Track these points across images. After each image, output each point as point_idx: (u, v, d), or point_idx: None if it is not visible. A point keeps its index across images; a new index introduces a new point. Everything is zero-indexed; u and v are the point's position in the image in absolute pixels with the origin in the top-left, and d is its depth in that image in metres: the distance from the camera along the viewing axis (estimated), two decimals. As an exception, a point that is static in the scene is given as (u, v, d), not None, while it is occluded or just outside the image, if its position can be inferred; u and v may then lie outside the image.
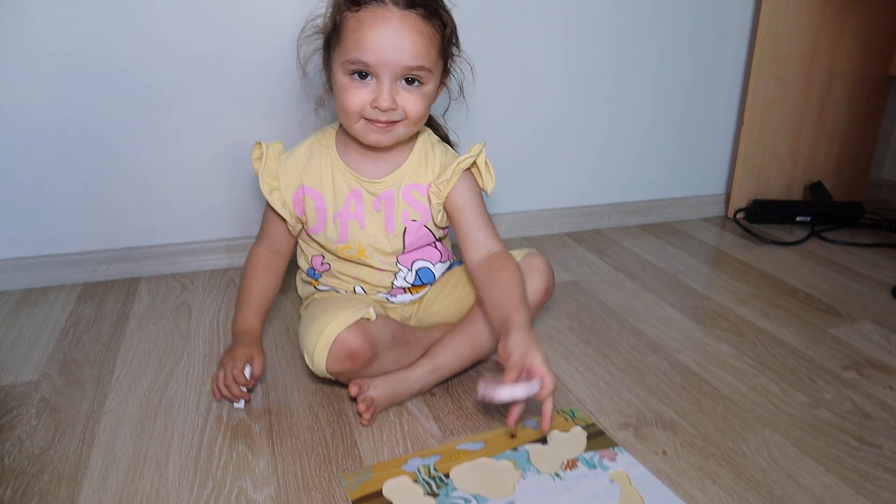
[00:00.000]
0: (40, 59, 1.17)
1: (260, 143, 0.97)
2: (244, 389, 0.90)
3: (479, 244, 0.94)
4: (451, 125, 1.11)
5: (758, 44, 1.61)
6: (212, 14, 1.23)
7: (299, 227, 1.00)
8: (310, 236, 1.00)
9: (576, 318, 1.19)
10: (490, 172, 0.98)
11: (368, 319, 0.88)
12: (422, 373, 0.93)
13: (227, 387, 0.89)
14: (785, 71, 1.66)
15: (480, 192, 0.98)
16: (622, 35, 1.52)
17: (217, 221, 1.37)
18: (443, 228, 1.01)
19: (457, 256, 1.07)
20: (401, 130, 0.90)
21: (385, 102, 0.84)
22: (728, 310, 1.24)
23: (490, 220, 0.96)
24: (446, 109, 1.09)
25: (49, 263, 1.30)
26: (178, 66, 1.24)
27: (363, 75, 0.85)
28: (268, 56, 1.28)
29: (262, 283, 1.01)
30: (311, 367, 0.88)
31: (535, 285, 0.96)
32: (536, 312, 1.02)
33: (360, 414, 0.88)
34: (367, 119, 0.87)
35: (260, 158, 0.97)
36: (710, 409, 0.94)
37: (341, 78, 0.87)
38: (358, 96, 0.86)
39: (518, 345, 0.78)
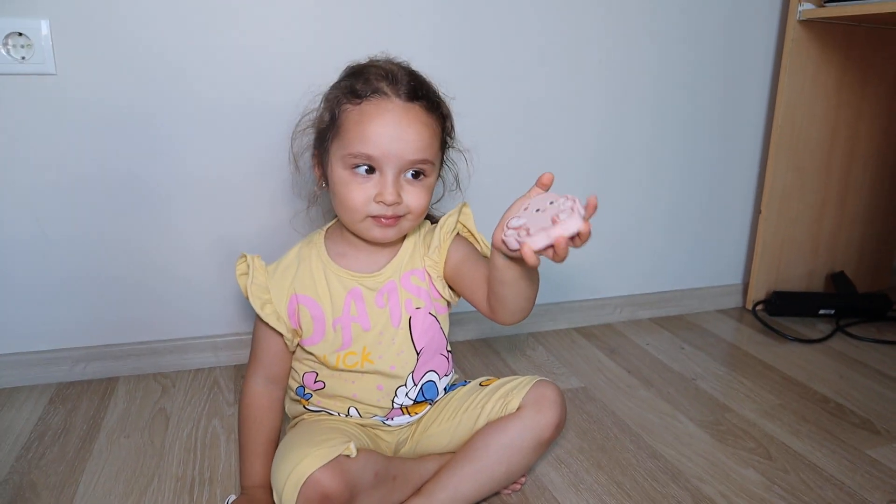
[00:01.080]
0: (7, 139, 1.11)
1: (245, 256, 0.89)
2: None
3: (485, 288, 0.86)
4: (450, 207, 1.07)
5: (774, 133, 1.55)
6: (200, 106, 1.18)
7: (297, 341, 0.91)
8: (304, 350, 0.91)
9: (586, 436, 1.09)
10: (485, 241, 0.93)
11: (348, 456, 0.78)
12: (415, 519, 0.82)
13: None
14: (803, 159, 1.59)
15: (476, 250, 0.93)
16: (633, 123, 1.47)
17: (203, 318, 1.29)
18: (448, 305, 0.95)
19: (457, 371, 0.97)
20: (406, 225, 0.86)
21: (391, 197, 0.81)
22: (753, 425, 1.14)
23: None
24: (439, 199, 1.02)
25: (20, 362, 1.22)
26: (164, 160, 1.19)
27: (368, 170, 0.81)
28: (256, 152, 1.22)
29: (269, 425, 0.91)
30: None
31: (547, 419, 0.87)
32: (545, 450, 0.92)
33: None
34: (372, 216, 0.83)
35: (246, 273, 0.89)
36: (741, 558, 0.83)
37: (341, 173, 0.83)
38: (362, 191, 0.82)
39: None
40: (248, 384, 0.92)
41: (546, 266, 1.46)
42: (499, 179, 1.37)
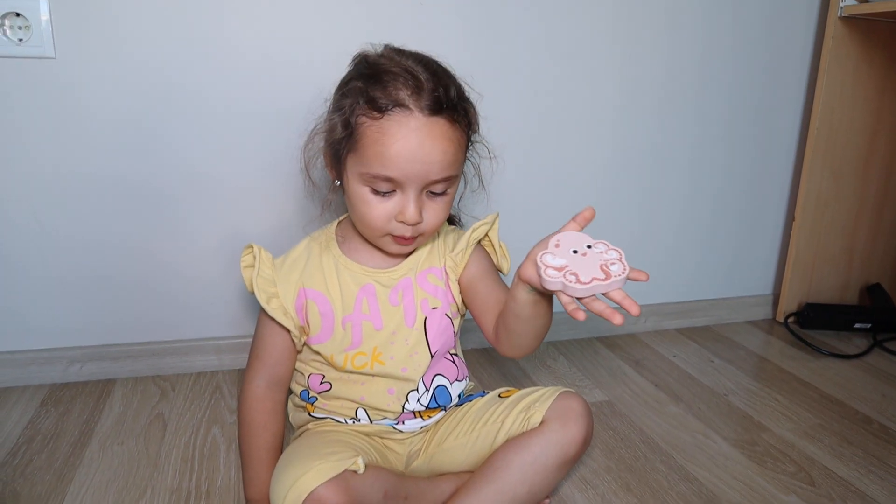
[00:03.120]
0: (3, 124, 1.05)
1: (252, 246, 0.84)
2: None
3: (495, 312, 0.83)
4: (470, 214, 1.01)
5: (810, 136, 1.46)
6: (206, 101, 1.11)
7: (303, 339, 0.85)
8: (311, 350, 0.85)
9: (613, 455, 1.01)
10: (505, 254, 0.90)
11: (355, 472, 0.70)
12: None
13: None
14: (840, 165, 1.51)
15: (495, 268, 0.90)
16: (665, 125, 1.39)
17: (206, 319, 1.22)
18: (461, 316, 0.91)
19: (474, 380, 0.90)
20: (422, 240, 0.83)
21: (413, 218, 0.76)
22: (792, 446, 1.05)
23: (507, 289, 0.83)
24: (460, 197, 0.94)
25: (13, 361, 1.15)
26: (168, 155, 1.12)
27: (388, 189, 0.76)
28: (265, 151, 1.16)
29: (272, 430, 0.84)
30: None
31: (572, 434, 0.78)
32: (571, 468, 0.84)
33: None
34: (391, 234, 0.79)
35: (252, 265, 0.83)
36: None
37: (360, 189, 0.77)
38: (382, 210, 0.77)
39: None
40: (249, 387, 0.85)
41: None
42: (520, 179, 1.31)
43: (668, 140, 1.41)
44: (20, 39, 1.01)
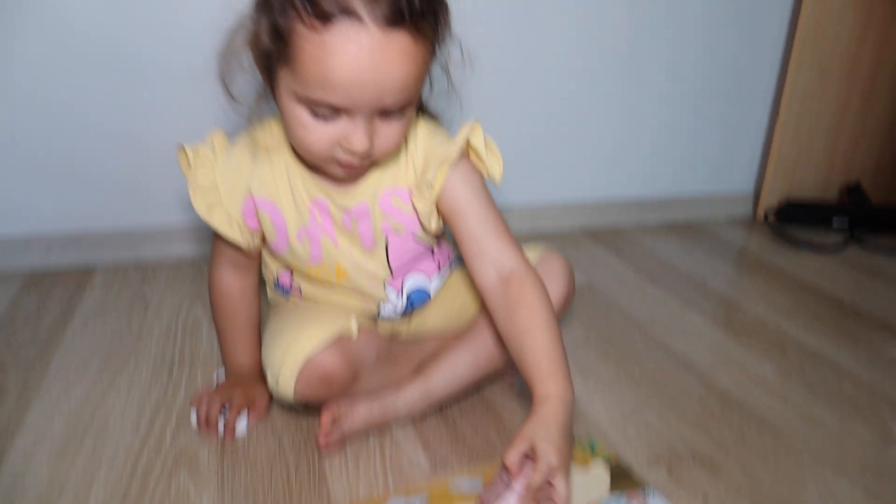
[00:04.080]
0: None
1: (184, 148, 0.72)
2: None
3: (487, 258, 0.70)
4: (444, 114, 0.85)
5: (799, 31, 1.44)
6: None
7: (258, 242, 0.76)
8: (273, 253, 0.78)
9: (593, 328, 1.03)
10: (495, 154, 0.73)
11: (349, 336, 0.71)
12: (411, 397, 0.76)
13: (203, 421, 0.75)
14: (827, 60, 1.49)
15: (483, 183, 0.73)
16: (648, 17, 1.36)
17: (185, 203, 1.20)
18: (438, 235, 0.80)
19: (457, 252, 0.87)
20: (372, 164, 0.70)
21: (361, 146, 0.62)
22: (766, 323, 1.08)
23: (500, 219, 0.72)
24: (430, 94, 0.76)
25: (-9, 247, 1.14)
26: (156, 33, 1.08)
27: (332, 113, 0.61)
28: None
29: (245, 313, 0.81)
30: (274, 390, 0.71)
31: (553, 292, 0.75)
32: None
33: (317, 441, 0.71)
34: (336, 159, 0.65)
35: (189, 166, 0.72)
36: (757, 442, 0.78)
37: (295, 110, 0.62)
38: (323, 136, 0.62)
39: (546, 454, 0.56)
40: (214, 275, 0.80)
41: (552, 161, 1.39)
42: (496, 82, 1.28)
43: (648, 35, 1.38)
44: None
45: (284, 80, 0.61)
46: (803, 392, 0.89)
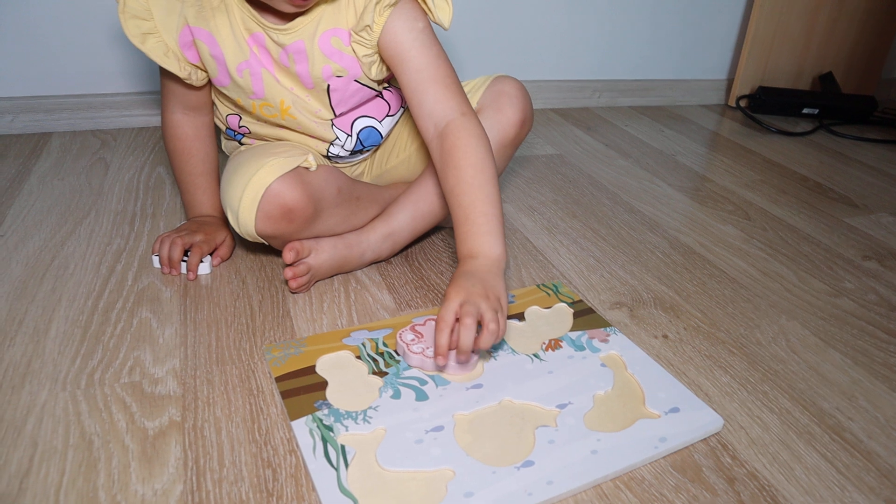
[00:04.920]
0: None
1: None
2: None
3: (426, 110, 0.67)
4: None
5: None
6: None
7: (202, 75, 0.73)
8: (218, 90, 0.75)
9: (560, 192, 1.03)
10: (446, 2, 0.69)
11: (307, 168, 0.69)
12: (375, 238, 0.76)
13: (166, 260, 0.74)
14: (809, -64, 1.46)
15: (429, 27, 0.69)
16: None
17: (146, 72, 1.16)
18: (385, 79, 0.76)
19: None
20: (320, 1, 0.67)
21: None
22: (732, 193, 1.09)
23: (444, 67, 0.68)
24: None
25: (-62, 109, 1.09)
26: None
27: None
28: None
29: (200, 155, 0.79)
30: (236, 228, 0.69)
31: (507, 116, 0.74)
32: (510, 154, 0.80)
33: (286, 281, 0.71)
34: None
35: None
36: (717, 291, 0.79)
37: None
38: None
39: (449, 296, 0.58)
40: (166, 117, 0.78)
41: (523, 38, 1.35)
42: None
43: None
44: None
45: None
46: (764, 250, 0.91)
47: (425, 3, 0.69)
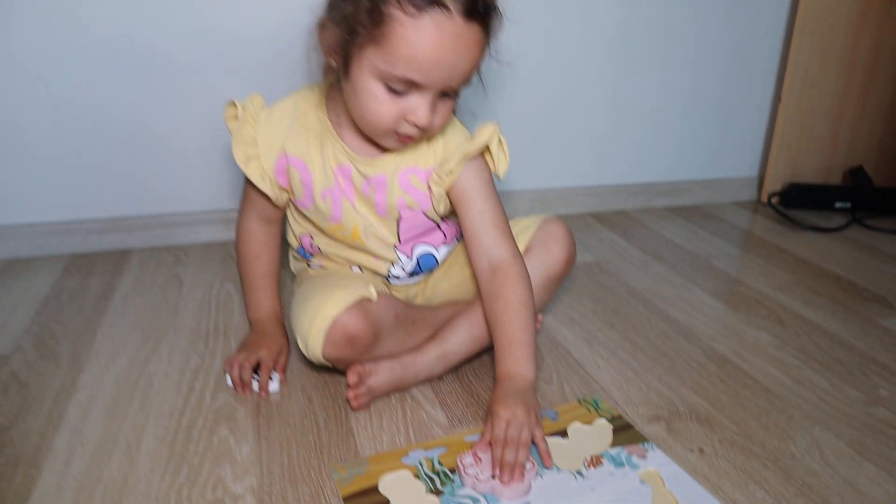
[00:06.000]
0: (26, 13, 1.08)
1: (234, 102, 0.81)
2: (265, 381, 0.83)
3: (482, 247, 0.80)
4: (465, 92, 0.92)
5: (799, 14, 1.49)
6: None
7: (285, 196, 0.86)
8: (298, 210, 0.87)
9: (599, 302, 1.09)
10: (504, 151, 0.82)
11: (369, 299, 0.78)
12: (429, 359, 0.83)
13: (238, 382, 0.82)
14: (828, 44, 1.54)
15: (491, 178, 0.83)
16: (656, 7, 1.41)
17: (214, 191, 1.28)
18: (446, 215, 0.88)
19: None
20: (420, 139, 0.79)
21: (426, 121, 0.71)
22: (766, 296, 1.14)
23: (500, 213, 0.82)
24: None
25: (36, 232, 1.21)
26: (183, 30, 1.15)
27: (405, 89, 0.70)
28: (275, 30, 1.19)
29: (266, 260, 0.91)
30: (304, 352, 0.78)
31: (554, 255, 0.87)
32: (555, 288, 0.91)
33: (348, 400, 0.78)
34: (396, 132, 0.74)
35: (235, 118, 0.82)
36: (751, 402, 0.84)
37: (372, 85, 0.70)
38: (393, 110, 0.71)
39: (497, 414, 0.71)
40: (242, 223, 0.91)
41: (562, 150, 1.44)
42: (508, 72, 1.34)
43: (648, 23, 1.43)
44: None
45: (368, 57, 0.69)
46: (797, 357, 0.94)
47: (491, 157, 0.82)
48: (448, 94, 0.73)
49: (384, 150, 0.80)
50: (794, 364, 0.93)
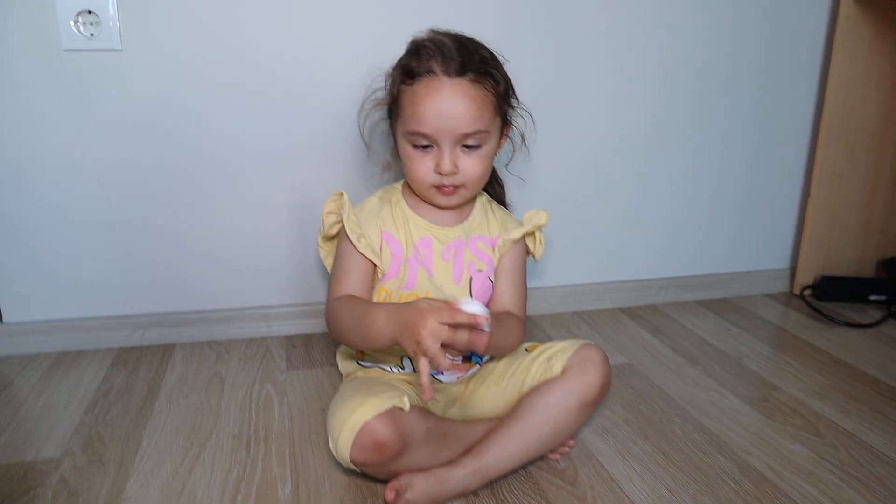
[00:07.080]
0: (78, 113, 1.17)
1: (341, 194, 0.95)
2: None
3: (500, 304, 0.98)
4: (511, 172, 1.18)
5: (825, 113, 1.52)
6: (262, 92, 1.22)
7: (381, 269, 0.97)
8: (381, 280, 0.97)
9: (632, 409, 1.10)
10: (542, 240, 1.04)
11: (402, 409, 0.81)
12: (465, 473, 0.84)
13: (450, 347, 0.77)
14: (855, 140, 1.56)
15: (526, 258, 1.04)
16: (684, 102, 1.46)
17: (254, 289, 1.33)
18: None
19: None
20: (465, 193, 0.94)
21: (447, 167, 0.88)
22: (801, 403, 1.13)
23: (523, 290, 1.01)
24: (510, 160, 1.17)
25: (85, 327, 1.27)
26: (222, 146, 1.23)
27: (427, 145, 0.89)
28: (321, 131, 1.27)
29: (363, 303, 0.91)
30: (334, 454, 0.82)
31: (591, 379, 0.89)
32: (590, 412, 0.93)
33: None
34: (434, 185, 0.92)
35: (334, 211, 0.96)
36: (789, 526, 0.83)
37: (405, 148, 0.91)
38: (423, 164, 0.90)
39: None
40: (333, 297, 0.93)
41: (592, 244, 1.48)
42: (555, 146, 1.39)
43: (678, 119, 1.47)
44: (91, 34, 1.12)
45: (398, 128, 0.92)
46: (835, 473, 0.94)
47: (533, 241, 1.04)
48: (469, 145, 0.89)
49: (457, 221, 0.98)
50: (833, 482, 0.92)
